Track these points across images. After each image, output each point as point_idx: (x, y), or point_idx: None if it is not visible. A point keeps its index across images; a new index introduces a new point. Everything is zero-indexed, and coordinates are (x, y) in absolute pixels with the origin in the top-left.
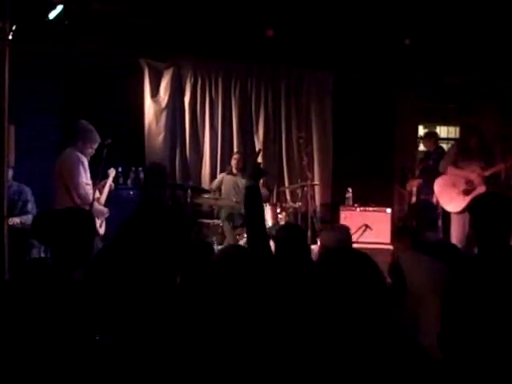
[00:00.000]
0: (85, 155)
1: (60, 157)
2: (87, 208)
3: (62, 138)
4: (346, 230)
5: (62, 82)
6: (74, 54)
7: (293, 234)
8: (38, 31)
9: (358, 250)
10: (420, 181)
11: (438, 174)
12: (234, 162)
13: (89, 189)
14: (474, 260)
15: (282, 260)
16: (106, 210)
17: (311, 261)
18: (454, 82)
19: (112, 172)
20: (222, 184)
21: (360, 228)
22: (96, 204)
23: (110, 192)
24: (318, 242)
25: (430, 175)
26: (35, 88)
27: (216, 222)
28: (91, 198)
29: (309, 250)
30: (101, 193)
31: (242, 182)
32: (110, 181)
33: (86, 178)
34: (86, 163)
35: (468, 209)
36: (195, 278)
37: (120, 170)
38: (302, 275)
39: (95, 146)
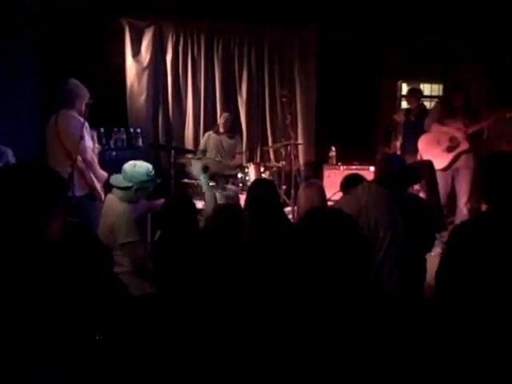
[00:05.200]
0: (82, 115)
1: (58, 119)
2: (91, 173)
3: (39, 98)
4: (321, 185)
5: (37, 42)
6: (52, 14)
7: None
8: None
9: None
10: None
11: (420, 131)
12: (222, 122)
13: (93, 155)
14: (483, 215)
15: (255, 217)
16: (105, 174)
17: (286, 218)
18: (439, 40)
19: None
20: (207, 143)
21: None
22: (98, 169)
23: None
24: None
25: (412, 132)
26: (9, 47)
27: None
28: (96, 163)
29: (281, 206)
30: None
31: (226, 141)
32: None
33: (91, 143)
34: (89, 127)
35: (481, 165)
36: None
37: (102, 130)
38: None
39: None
